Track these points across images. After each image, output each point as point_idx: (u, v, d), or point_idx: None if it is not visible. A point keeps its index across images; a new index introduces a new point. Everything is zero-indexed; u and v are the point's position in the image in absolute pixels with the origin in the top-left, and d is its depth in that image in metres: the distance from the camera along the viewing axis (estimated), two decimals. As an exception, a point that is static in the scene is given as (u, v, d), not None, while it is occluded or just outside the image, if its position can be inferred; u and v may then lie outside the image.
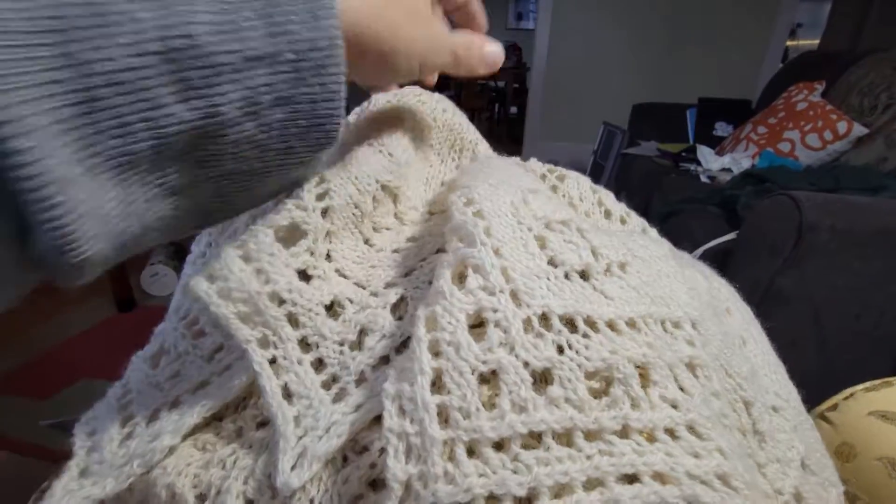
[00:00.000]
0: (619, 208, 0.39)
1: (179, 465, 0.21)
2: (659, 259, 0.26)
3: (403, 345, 0.22)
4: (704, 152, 1.87)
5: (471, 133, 0.38)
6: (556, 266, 0.22)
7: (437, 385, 0.18)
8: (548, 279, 0.21)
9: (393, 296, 0.24)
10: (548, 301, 0.20)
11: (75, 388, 1.23)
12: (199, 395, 0.23)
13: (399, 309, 0.24)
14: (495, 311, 0.19)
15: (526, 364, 0.18)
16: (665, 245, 0.28)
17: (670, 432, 0.19)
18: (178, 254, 1.75)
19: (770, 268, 0.91)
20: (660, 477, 0.17)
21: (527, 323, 0.19)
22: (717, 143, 2.06)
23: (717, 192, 1.44)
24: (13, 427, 1.10)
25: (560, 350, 0.19)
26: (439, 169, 0.37)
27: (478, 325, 0.20)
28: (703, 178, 1.74)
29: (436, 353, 0.19)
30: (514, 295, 0.20)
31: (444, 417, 0.17)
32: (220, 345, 0.26)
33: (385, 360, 0.22)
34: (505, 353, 0.18)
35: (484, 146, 0.38)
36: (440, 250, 0.27)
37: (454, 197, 0.24)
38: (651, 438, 0.18)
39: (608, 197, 0.40)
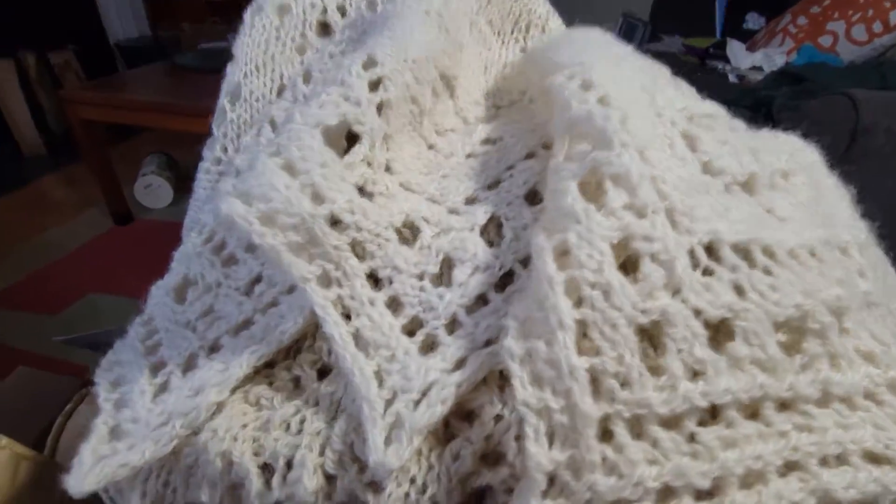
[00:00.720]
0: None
1: (233, 426, 0.17)
2: (813, 166, 0.20)
3: (504, 281, 0.17)
4: (734, 48, 1.71)
5: (539, 5, 0.30)
6: (713, 176, 0.16)
7: (579, 343, 0.13)
8: (708, 194, 0.16)
9: (482, 215, 0.19)
10: (715, 225, 0.15)
11: (82, 303, 1.21)
12: (243, 339, 0.19)
13: (488, 232, 0.19)
14: (650, 239, 0.14)
15: (698, 312, 0.14)
16: (812, 148, 0.22)
17: (871, 396, 0.14)
18: (169, 164, 1.65)
19: (812, 175, 0.85)
20: (872, 456, 0.13)
21: (691, 256, 0.14)
22: (748, 38, 1.88)
23: (748, 93, 1.33)
24: (25, 342, 1.10)
25: (739, 292, 0.14)
26: (499, 53, 0.30)
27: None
28: (732, 78, 1.60)
29: (575, 299, 0.14)
30: (671, 216, 0.15)
31: (595, 387, 0.13)
32: (259, 274, 0.21)
33: (482, 300, 0.17)
34: (669, 298, 0.13)
35: (556, 22, 0.30)
36: (530, 155, 0.21)
37: (562, 79, 0.18)
38: (851, 405, 0.14)
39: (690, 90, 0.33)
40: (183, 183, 1.60)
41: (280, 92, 0.25)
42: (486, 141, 0.22)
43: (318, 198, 0.16)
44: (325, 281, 0.17)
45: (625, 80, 0.17)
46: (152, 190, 1.58)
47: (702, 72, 1.71)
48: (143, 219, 1.54)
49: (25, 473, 0.32)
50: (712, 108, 0.18)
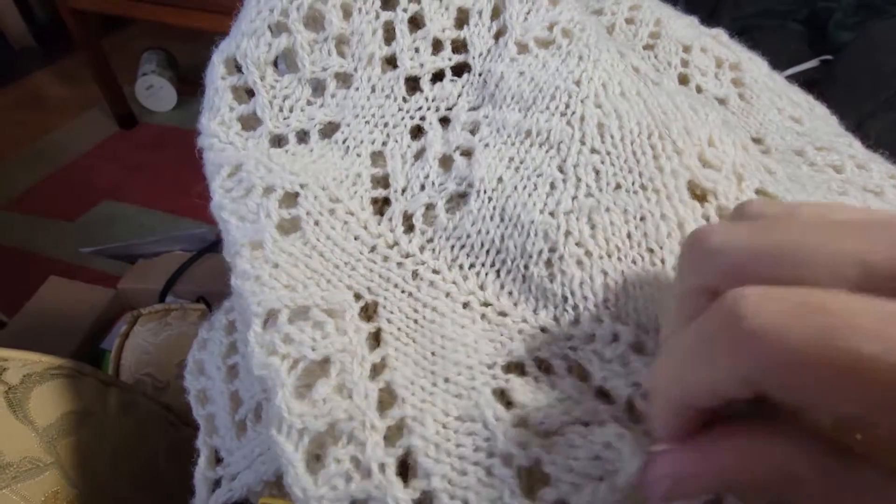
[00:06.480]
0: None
1: None
2: None
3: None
4: (793, -56, 1.52)
5: None
6: None
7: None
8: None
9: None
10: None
11: (99, 209, 1.21)
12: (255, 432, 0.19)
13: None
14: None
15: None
16: None
17: None
18: (169, 62, 1.55)
19: (863, 109, 0.80)
20: None
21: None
22: (809, -69, 1.66)
23: (805, 3, 1.20)
24: (49, 248, 1.12)
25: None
26: None
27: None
28: (786, -19, 1.45)
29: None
30: None
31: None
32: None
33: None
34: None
35: None
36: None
37: None
38: None
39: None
40: (184, 85, 1.51)
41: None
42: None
43: None
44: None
45: None
46: (154, 91, 1.50)
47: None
48: (148, 123, 1.49)
49: (113, 399, 0.32)
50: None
